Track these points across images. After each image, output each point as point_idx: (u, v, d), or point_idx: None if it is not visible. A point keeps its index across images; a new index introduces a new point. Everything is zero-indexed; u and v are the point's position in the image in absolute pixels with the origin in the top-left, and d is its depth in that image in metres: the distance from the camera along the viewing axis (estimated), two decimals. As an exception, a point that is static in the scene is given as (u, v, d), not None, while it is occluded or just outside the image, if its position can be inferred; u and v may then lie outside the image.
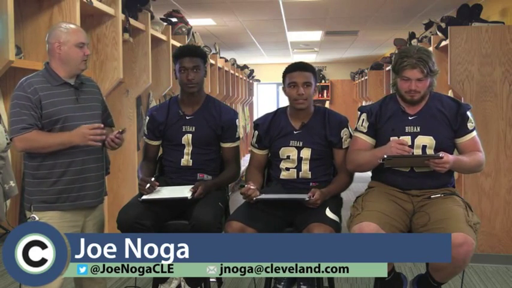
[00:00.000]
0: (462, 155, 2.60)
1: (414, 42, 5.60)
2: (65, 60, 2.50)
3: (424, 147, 2.59)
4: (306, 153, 2.78)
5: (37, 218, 2.46)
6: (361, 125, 2.71)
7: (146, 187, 2.69)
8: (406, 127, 2.62)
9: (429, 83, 2.58)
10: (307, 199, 2.58)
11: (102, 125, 2.49)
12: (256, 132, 2.90)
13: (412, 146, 2.58)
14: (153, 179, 2.75)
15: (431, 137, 2.59)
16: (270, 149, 2.87)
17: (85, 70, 2.60)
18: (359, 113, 2.76)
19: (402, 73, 2.56)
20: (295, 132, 2.80)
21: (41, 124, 2.45)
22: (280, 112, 2.90)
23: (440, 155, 2.45)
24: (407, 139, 2.59)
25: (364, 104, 9.84)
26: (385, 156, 2.47)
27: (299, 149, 2.78)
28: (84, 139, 2.44)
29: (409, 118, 2.63)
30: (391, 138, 2.60)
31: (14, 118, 2.44)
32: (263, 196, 2.66)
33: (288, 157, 2.80)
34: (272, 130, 2.84)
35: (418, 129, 2.60)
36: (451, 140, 2.63)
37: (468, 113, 2.63)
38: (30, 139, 2.42)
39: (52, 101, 2.45)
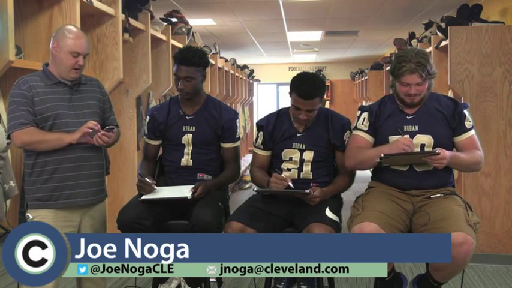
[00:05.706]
0: (460, 152, 2.61)
1: (414, 42, 5.60)
2: (57, 64, 2.53)
3: (422, 146, 2.60)
4: (308, 155, 2.78)
5: (31, 217, 2.47)
6: (362, 124, 2.71)
7: (145, 183, 2.69)
8: (405, 126, 2.62)
9: (428, 85, 2.59)
10: (308, 191, 2.61)
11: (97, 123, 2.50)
12: (261, 133, 2.87)
13: None
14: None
15: (430, 136, 2.59)
16: (273, 150, 2.87)
17: (75, 79, 2.55)
18: (359, 112, 2.76)
19: (401, 78, 2.56)
20: (298, 135, 2.80)
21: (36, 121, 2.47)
22: (282, 113, 2.88)
23: (437, 151, 2.46)
24: None
25: (364, 104, 9.84)
26: (382, 155, 2.48)
27: (302, 151, 2.78)
28: (81, 129, 2.44)
29: (408, 117, 2.64)
30: (390, 137, 2.61)
31: (12, 114, 2.45)
32: (268, 189, 2.71)
33: (290, 159, 2.79)
34: (276, 132, 2.83)
35: (417, 128, 2.61)
36: (450, 138, 2.63)
37: (465, 111, 2.64)
38: (29, 133, 2.43)
39: (43, 99, 2.47)
